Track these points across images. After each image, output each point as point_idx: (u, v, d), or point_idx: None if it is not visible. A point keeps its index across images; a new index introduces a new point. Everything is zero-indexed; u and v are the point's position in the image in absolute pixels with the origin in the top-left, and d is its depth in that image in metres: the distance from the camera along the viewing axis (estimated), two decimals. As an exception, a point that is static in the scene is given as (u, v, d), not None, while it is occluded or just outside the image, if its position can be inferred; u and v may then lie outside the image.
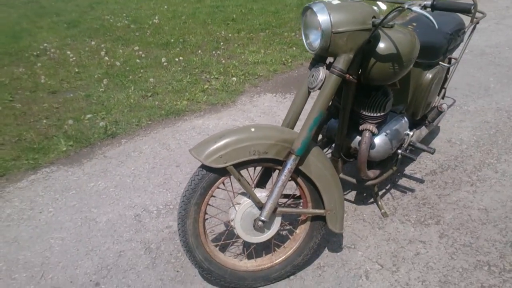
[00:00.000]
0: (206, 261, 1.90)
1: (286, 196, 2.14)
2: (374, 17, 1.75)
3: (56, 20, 6.75)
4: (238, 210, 1.86)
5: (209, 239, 1.94)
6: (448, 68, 2.72)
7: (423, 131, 2.71)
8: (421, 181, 2.70)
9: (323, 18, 1.71)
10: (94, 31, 6.06)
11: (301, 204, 2.03)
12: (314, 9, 1.73)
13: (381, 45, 1.90)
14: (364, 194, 2.60)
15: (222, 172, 1.78)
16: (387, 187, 2.66)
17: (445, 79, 2.79)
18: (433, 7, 1.66)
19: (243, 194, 1.92)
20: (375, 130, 2.14)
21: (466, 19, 2.77)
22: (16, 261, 2.19)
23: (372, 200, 2.54)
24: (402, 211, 2.45)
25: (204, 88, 4.09)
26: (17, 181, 2.88)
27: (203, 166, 1.78)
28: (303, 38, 1.87)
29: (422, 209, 2.46)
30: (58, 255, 2.22)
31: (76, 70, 4.69)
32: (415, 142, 2.45)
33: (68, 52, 5.21)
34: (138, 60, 4.88)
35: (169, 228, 2.36)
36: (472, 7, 1.60)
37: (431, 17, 1.62)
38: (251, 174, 2.54)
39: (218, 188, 1.85)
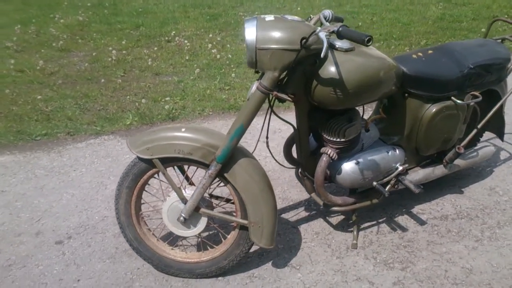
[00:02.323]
0: (135, 240, 2.08)
1: (227, 200, 2.19)
2: (304, 38, 1.70)
3: (204, 12, 7.42)
4: (166, 201, 2.01)
5: (143, 222, 2.12)
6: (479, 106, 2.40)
7: (438, 170, 2.43)
8: (422, 222, 2.44)
9: (250, 33, 1.73)
10: (226, 25, 6.53)
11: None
12: (245, 24, 1.76)
13: (325, 68, 1.83)
14: (350, 221, 2.46)
15: (152, 163, 1.94)
16: (381, 220, 2.48)
17: (474, 118, 2.46)
18: (338, 34, 1.58)
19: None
20: (333, 154, 2.05)
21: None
22: (30, 204, 2.67)
23: (352, 227, 2.40)
24: (375, 248, 2.28)
25: (276, 90, 4.19)
26: (78, 141, 3.42)
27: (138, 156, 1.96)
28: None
29: (399, 251, 2.25)
30: (60, 207, 2.63)
31: (187, 58, 5.19)
32: (404, 178, 2.25)
33: (186, 41, 5.76)
34: (230, 56, 5.19)
35: (156, 206, 2.57)
36: (367, 39, 1.47)
37: (324, 44, 1.55)
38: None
39: (153, 178, 2.02)
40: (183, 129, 1.90)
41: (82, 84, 4.53)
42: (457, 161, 2.48)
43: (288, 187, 2.76)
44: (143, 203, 2.11)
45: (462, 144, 2.43)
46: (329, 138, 2.04)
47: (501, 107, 2.57)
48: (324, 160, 2.07)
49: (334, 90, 1.84)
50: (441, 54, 2.25)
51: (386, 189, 2.27)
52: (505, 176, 2.82)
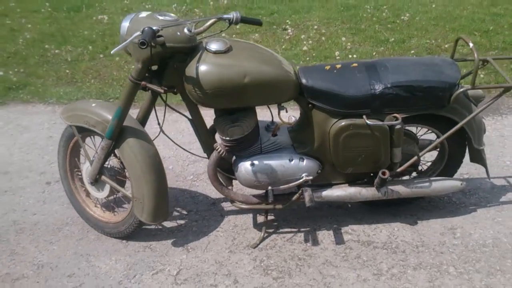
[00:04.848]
0: (69, 192, 2.52)
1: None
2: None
3: (342, 2, 7.13)
4: (85, 164, 2.38)
5: (77, 179, 2.52)
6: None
7: (367, 192, 2.27)
8: (340, 242, 2.32)
9: (124, 25, 1.96)
10: (349, 18, 6.26)
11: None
12: (124, 17, 1.98)
13: (190, 66, 1.97)
14: (275, 223, 2.47)
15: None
16: (303, 228, 2.43)
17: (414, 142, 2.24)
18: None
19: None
20: (222, 152, 2.14)
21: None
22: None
23: (271, 229, 2.43)
24: (272, 252, 2.28)
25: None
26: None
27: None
28: None
29: (290, 261, 2.22)
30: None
31: (283, 47, 5.32)
32: (306, 189, 2.20)
33: (293, 30, 5.86)
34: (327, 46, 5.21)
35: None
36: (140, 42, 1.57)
37: (124, 43, 1.71)
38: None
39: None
40: (93, 104, 2.24)
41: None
42: (398, 188, 2.26)
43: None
44: (82, 162, 2.51)
45: (400, 169, 2.22)
46: (219, 135, 2.14)
47: (469, 138, 2.22)
48: (213, 155, 2.18)
49: (194, 89, 1.95)
50: (362, 69, 2.10)
51: (293, 198, 2.26)
52: (481, 220, 2.41)
